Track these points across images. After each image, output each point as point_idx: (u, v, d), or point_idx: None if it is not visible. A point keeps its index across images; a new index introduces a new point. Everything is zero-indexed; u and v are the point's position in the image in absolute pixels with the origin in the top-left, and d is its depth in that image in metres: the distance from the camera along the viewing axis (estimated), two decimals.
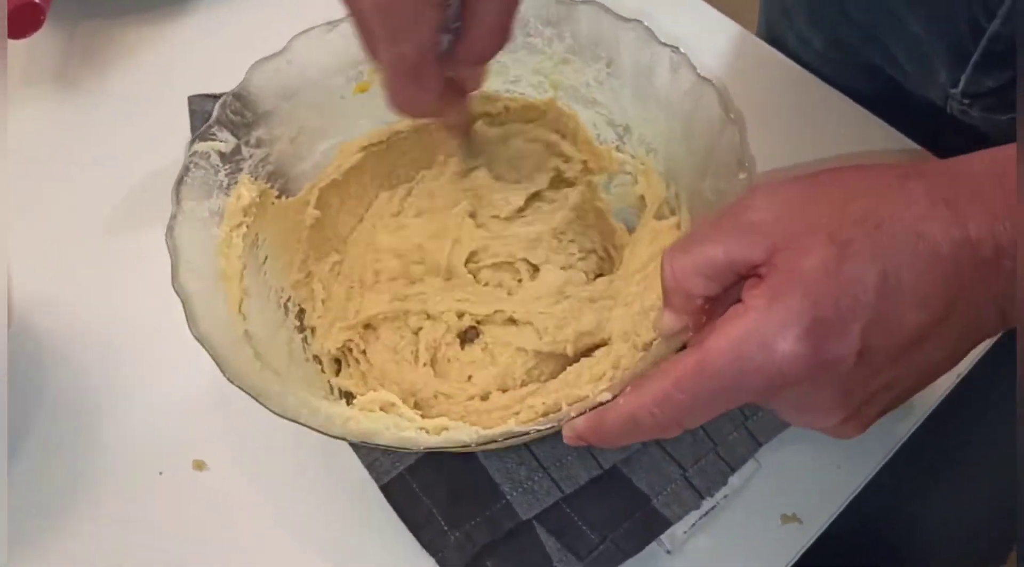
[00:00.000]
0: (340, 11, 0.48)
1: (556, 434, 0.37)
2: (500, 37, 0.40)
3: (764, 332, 0.30)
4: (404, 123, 0.51)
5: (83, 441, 0.49)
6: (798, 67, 0.61)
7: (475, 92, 0.46)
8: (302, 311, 0.49)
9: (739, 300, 0.32)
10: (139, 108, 0.62)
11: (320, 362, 0.48)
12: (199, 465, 0.48)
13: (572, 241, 0.51)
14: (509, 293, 0.50)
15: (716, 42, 0.62)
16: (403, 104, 0.41)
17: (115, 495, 0.48)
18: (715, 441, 0.47)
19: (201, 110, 0.59)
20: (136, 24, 0.66)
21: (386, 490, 0.46)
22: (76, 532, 0.47)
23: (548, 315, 0.47)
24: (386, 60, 0.39)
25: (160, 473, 0.48)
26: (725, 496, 0.46)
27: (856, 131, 0.58)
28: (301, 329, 0.49)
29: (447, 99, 0.43)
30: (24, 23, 0.58)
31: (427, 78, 0.40)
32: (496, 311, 0.48)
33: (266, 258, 0.47)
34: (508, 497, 0.45)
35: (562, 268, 0.49)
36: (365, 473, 0.47)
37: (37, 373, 0.52)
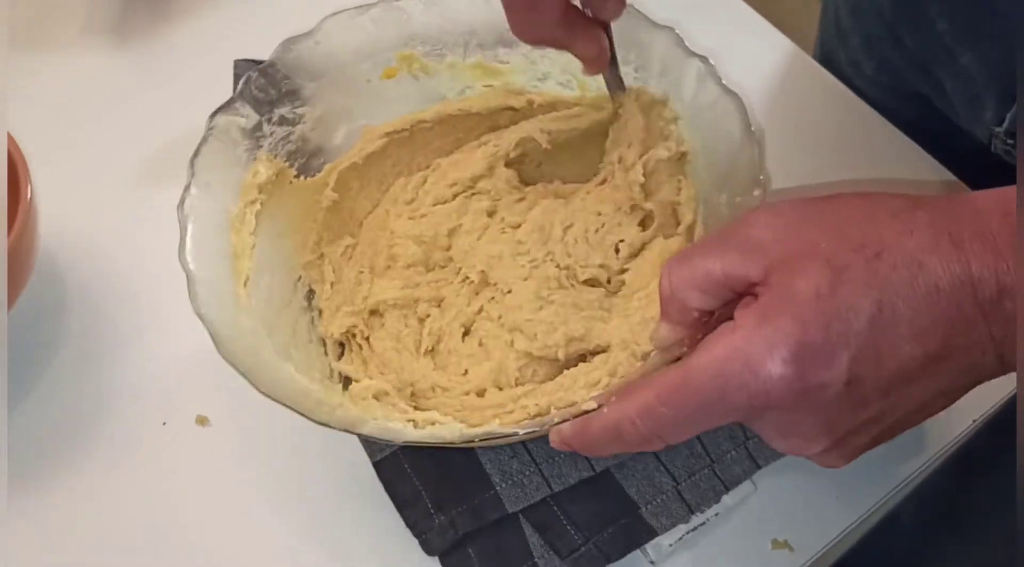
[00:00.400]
0: None
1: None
2: None
3: (750, 351, 0.30)
4: (429, 113, 0.51)
5: (95, 379, 0.51)
6: (844, 87, 0.60)
7: (613, 22, 0.44)
8: (312, 292, 0.49)
9: (731, 318, 0.31)
10: (188, 67, 0.63)
11: (324, 344, 0.48)
12: (202, 421, 0.49)
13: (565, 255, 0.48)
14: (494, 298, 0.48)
15: (765, 56, 0.61)
16: (519, 28, 0.41)
17: (118, 438, 0.49)
18: (712, 458, 0.46)
19: (243, 74, 0.59)
20: None
21: (378, 467, 0.46)
22: (79, 469, 0.48)
23: (535, 322, 0.45)
24: None
25: (164, 423, 0.49)
26: (717, 514, 0.45)
27: (896, 158, 0.56)
28: (309, 310, 0.49)
29: (574, 28, 0.42)
30: None
31: (543, 1, 0.39)
32: (481, 310, 0.47)
33: (280, 236, 0.48)
34: (497, 488, 0.45)
35: (525, 280, 0.47)
36: (361, 449, 0.47)
37: (59, 307, 0.53)
